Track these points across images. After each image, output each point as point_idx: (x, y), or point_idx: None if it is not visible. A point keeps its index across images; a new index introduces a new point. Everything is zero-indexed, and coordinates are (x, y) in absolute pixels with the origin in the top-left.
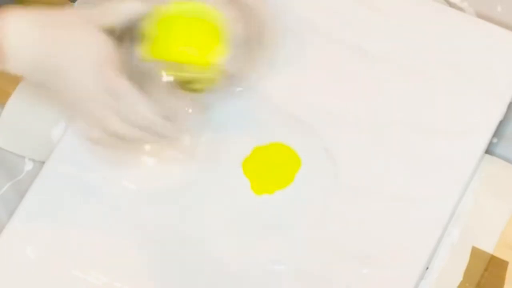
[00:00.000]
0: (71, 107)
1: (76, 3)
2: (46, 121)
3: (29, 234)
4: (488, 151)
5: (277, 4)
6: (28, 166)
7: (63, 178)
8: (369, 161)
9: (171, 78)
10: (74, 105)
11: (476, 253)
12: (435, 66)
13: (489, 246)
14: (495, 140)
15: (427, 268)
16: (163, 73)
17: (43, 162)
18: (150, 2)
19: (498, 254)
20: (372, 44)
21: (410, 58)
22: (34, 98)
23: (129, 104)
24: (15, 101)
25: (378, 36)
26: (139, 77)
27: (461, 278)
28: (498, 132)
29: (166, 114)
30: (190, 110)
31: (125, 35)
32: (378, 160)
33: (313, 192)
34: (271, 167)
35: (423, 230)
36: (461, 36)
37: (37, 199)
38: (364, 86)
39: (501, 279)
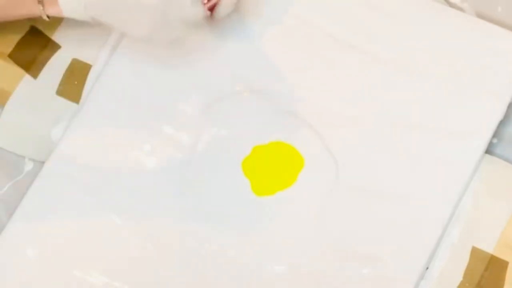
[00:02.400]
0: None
1: None
2: (46, 121)
3: (29, 234)
4: (488, 151)
5: (278, 4)
6: (28, 166)
7: (63, 178)
8: (369, 161)
9: None
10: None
11: (476, 253)
12: (435, 66)
13: (489, 246)
14: (495, 140)
15: (427, 268)
16: None
17: (43, 162)
18: None
19: (498, 254)
20: (372, 44)
21: (410, 58)
22: (34, 97)
23: None
24: (15, 101)
25: (378, 36)
26: None
27: (461, 278)
28: (498, 132)
29: None
30: None
31: None
32: (378, 160)
33: (314, 192)
34: (272, 167)
35: (423, 230)
36: (461, 36)
37: (37, 199)
38: (364, 85)
39: (501, 279)
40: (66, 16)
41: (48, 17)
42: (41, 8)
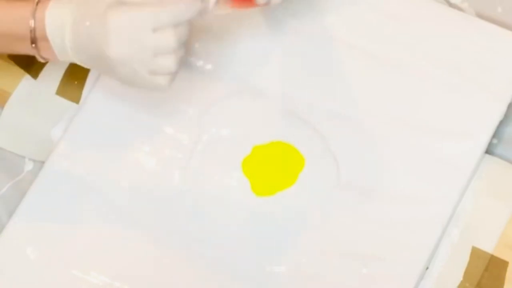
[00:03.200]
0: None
1: None
2: (46, 121)
3: (29, 234)
4: (488, 151)
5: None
6: (28, 166)
7: (63, 178)
8: (370, 161)
9: None
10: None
11: (476, 253)
12: (435, 66)
13: (489, 246)
14: (495, 141)
15: (427, 268)
16: None
17: (43, 162)
18: None
19: (498, 254)
20: (372, 44)
21: (410, 58)
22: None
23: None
24: (15, 101)
25: (378, 36)
26: None
27: (461, 278)
28: (498, 132)
29: None
30: None
31: None
32: (378, 160)
33: (314, 192)
34: (273, 167)
35: (423, 230)
36: (461, 36)
37: (37, 199)
38: (364, 85)
39: (501, 279)
40: (60, 60)
41: (43, 58)
42: (35, 51)
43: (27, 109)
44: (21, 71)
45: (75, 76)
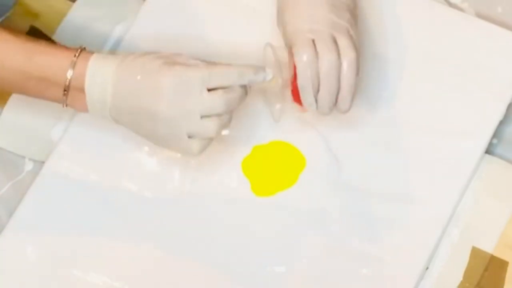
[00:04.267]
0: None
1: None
2: (46, 121)
3: (29, 234)
4: (488, 151)
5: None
6: (28, 166)
7: (63, 178)
8: (370, 161)
9: None
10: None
11: (476, 253)
12: (435, 66)
13: (489, 246)
14: (495, 141)
15: (427, 268)
16: None
17: (43, 162)
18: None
19: (498, 254)
20: (372, 45)
21: (410, 58)
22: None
23: (218, 75)
24: (15, 101)
25: (378, 36)
26: None
27: (461, 278)
28: (498, 132)
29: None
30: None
31: None
32: (378, 160)
33: (315, 193)
34: (273, 167)
35: (423, 230)
36: (461, 36)
37: (37, 199)
38: (364, 85)
39: (501, 279)
40: (90, 113)
41: (69, 106)
42: (64, 98)
43: (27, 109)
44: None
45: None
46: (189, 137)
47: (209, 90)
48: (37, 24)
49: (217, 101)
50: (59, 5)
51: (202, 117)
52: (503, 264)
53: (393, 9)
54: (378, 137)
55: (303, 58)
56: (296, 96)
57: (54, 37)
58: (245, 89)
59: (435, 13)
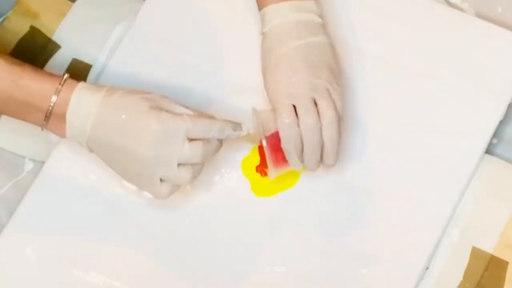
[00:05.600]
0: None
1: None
2: None
3: (29, 234)
4: (488, 151)
5: None
6: (28, 166)
7: (63, 178)
8: (370, 161)
9: None
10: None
11: (476, 253)
12: (435, 66)
13: (489, 246)
14: (495, 141)
15: (427, 268)
16: None
17: (43, 162)
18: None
19: (498, 254)
20: (372, 45)
21: (410, 58)
22: None
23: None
24: None
25: (378, 37)
26: None
27: (461, 278)
28: (498, 132)
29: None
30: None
31: None
32: (378, 160)
33: (315, 193)
34: None
35: (423, 230)
36: (461, 36)
37: (37, 199)
38: (364, 86)
39: (501, 279)
40: (67, 139)
41: (48, 129)
42: (44, 123)
43: None
44: None
45: (75, 76)
46: (162, 180)
47: (189, 140)
48: (37, 24)
49: (196, 152)
50: (59, 5)
51: (178, 165)
52: (503, 264)
53: (393, 9)
54: (378, 137)
55: (284, 124)
56: (274, 155)
57: (54, 37)
58: (221, 142)
59: (435, 13)
